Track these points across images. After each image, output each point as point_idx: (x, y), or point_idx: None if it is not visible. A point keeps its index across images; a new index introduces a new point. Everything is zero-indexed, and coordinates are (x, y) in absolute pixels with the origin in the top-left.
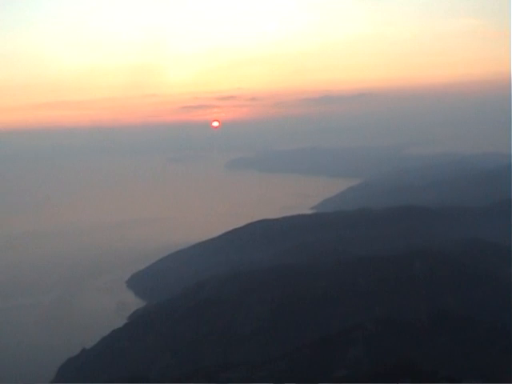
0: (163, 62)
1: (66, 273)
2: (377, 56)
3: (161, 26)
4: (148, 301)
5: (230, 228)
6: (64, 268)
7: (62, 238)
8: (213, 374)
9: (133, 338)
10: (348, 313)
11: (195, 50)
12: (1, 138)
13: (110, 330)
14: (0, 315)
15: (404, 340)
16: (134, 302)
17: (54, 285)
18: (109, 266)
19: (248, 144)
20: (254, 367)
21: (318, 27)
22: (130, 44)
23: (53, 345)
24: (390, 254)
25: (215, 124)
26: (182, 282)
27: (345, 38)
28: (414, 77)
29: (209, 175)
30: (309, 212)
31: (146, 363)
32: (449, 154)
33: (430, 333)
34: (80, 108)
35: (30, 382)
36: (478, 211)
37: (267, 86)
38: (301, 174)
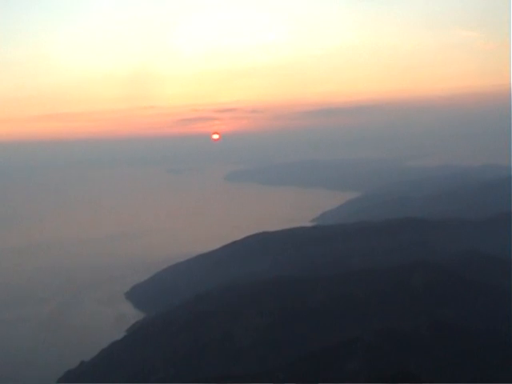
0: (162, 74)
1: (65, 284)
2: (376, 68)
3: (159, 38)
4: (147, 313)
5: (230, 240)
6: (63, 279)
7: (61, 249)
8: None
9: (132, 350)
10: (347, 325)
11: (194, 62)
12: (0, 150)
13: (109, 342)
14: None
15: (403, 352)
16: (133, 314)
17: (53, 296)
18: (108, 277)
19: (248, 156)
20: (253, 379)
21: (318, 39)
22: (128, 56)
23: (51, 357)
24: (389, 266)
25: (215, 136)
26: (181, 294)
27: (344, 50)
28: (414, 89)
29: (208, 187)
30: (308, 224)
31: (144, 375)
32: (448, 166)
33: (429, 345)
34: (78, 120)
35: None
36: (478, 223)
37: (267, 98)
38: (300, 186)
